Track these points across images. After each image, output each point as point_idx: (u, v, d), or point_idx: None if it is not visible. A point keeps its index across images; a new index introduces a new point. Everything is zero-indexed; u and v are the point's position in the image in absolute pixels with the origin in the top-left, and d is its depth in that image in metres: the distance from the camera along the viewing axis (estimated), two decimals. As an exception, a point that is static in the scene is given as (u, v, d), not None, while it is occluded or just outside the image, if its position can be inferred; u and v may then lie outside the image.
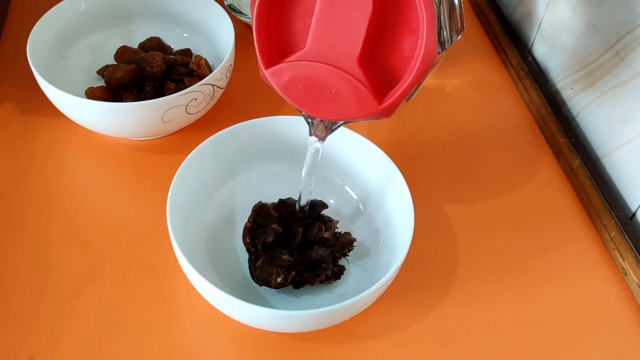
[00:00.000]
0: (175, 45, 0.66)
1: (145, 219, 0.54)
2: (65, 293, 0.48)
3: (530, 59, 0.70)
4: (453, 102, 0.67)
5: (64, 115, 0.56)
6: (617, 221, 0.54)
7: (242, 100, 0.65)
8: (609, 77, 0.57)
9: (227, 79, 0.59)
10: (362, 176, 0.54)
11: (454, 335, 0.48)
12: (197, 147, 0.50)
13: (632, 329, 0.49)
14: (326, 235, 0.48)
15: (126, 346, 0.46)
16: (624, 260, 0.52)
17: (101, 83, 0.61)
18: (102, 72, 0.62)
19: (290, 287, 0.47)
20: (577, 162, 0.59)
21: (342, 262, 0.49)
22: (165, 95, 0.57)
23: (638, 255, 0.52)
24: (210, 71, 0.61)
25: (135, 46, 0.64)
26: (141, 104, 0.52)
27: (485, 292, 0.51)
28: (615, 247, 0.53)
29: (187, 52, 0.65)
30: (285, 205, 0.50)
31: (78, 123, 0.56)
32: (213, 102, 0.58)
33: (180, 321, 0.48)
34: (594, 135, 0.57)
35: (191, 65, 0.61)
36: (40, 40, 0.58)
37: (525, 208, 0.57)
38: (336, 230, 0.49)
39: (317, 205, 0.50)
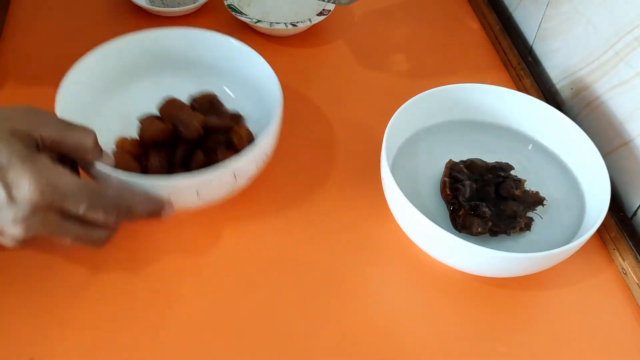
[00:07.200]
0: (225, 103, 0.59)
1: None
2: (65, 293, 0.48)
3: (530, 59, 0.70)
4: (453, 102, 0.67)
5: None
6: (617, 221, 0.54)
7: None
8: (609, 77, 0.57)
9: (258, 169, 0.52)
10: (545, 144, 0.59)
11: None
12: None
13: (632, 329, 0.49)
14: (517, 192, 0.53)
15: (126, 347, 0.46)
16: (624, 260, 0.52)
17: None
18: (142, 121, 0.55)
19: (486, 235, 0.52)
20: (577, 162, 0.59)
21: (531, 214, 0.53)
22: (192, 166, 0.52)
23: (638, 255, 0.52)
24: (251, 143, 0.54)
25: (186, 97, 0.57)
26: (146, 182, 0.47)
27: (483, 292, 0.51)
28: (615, 247, 0.53)
29: (237, 118, 0.58)
30: (475, 165, 0.55)
31: None
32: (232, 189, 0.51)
33: (180, 322, 0.47)
34: (594, 135, 0.56)
35: (232, 135, 0.54)
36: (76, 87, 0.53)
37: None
38: (525, 189, 0.54)
39: (506, 166, 0.55)
